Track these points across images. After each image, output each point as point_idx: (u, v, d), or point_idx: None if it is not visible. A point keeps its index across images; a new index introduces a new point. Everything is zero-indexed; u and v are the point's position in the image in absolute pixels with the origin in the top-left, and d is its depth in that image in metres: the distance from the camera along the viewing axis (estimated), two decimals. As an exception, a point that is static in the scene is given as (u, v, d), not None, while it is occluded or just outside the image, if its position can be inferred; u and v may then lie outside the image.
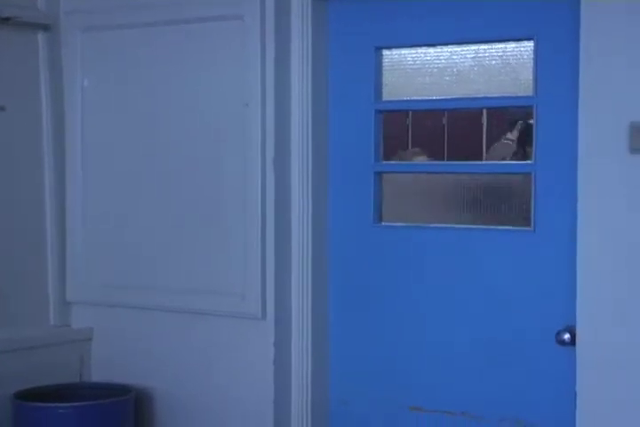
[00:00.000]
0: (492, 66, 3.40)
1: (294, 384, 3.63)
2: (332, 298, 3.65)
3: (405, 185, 3.67)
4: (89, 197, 4.01)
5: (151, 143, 3.87)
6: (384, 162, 3.60)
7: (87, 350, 4.04)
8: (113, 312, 3.99)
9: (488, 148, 3.62)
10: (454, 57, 3.46)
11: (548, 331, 3.21)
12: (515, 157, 3.50)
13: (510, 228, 3.35)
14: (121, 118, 3.94)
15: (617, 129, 2.96)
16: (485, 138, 3.61)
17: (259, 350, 3.62)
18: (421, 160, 3.74)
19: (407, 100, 3.58)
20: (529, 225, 3.29)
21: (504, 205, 3.43)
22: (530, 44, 3.26)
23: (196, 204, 3.76)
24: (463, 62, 3.45)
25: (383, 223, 3.58)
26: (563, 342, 3.16)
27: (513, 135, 3.58)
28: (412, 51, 3.54)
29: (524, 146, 3.41)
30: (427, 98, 3.52)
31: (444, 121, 3.71)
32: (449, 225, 3.47)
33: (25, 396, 3.72)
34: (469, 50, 3.43)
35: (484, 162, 3.54)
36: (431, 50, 3.50)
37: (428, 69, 3.52)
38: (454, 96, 3.46)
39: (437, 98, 3.50)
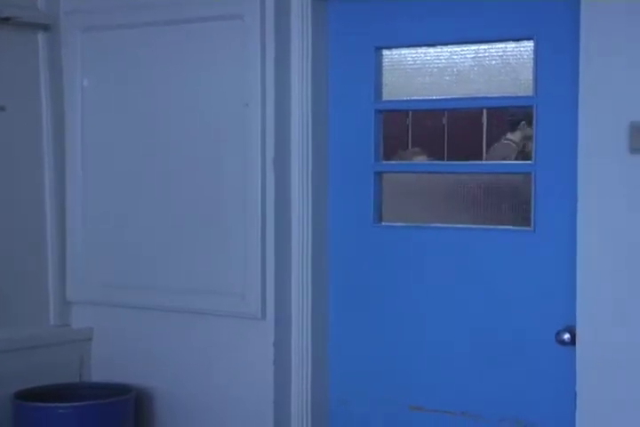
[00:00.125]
0: (492, 66, 3.40)
1: (294, 384, 3.63)
2: (332, 298, 3.65)
3: (405, 185, 3.67)
4: (89, 197, 4.01)
5: (151, 143, 3.87)
6: (384, 162, 3.60)
7: (87, 349, 4.04)
8: (113, 312, 3.99)
9: (488, 148, 3.62)
10: (454, 57, 3.46)
11: (548, 331, 3.21)
12: (519, 157, 3.50)
13: (510, 228, 3.35)
14: (121, 118, 3.94)
15: (617, 129, 2.96)
16: (485, 138, 3.60)
17: (259, 350, 3.62)
18: (421, 160, 3.74)
19: (407, 100, 3.58)
20: (529, 225, 3.29)
21: (504, 204, 3.43)
22: (530, 44, 3.26)
23: (196, 204, 3.76)
24: (463, 62, 3.45)
25: (383, 223, 3.58)
26: (563, 342, 3.16)
27: (514, 135, 3.58)
28: (412, 51, 3.54)
29: (527, 147, 3.41)
30: (427, 98, 3.52)
31: (444, 121, 3.71)
32: (449, 225, 3.47)
33: (25, 396, 3.72)
34: (469, 50, 3.43)
35: (484, 162, 3.54)
36: (431, 50, 3.50)
37: (428, 69, 3.52)
38: (454, 96, 3.46)
39: (437, 98, 3.50)
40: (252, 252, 3.60)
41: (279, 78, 3.57)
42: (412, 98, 3.56)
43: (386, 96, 3.58)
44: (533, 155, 3.27)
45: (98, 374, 4.03)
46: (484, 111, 3.58)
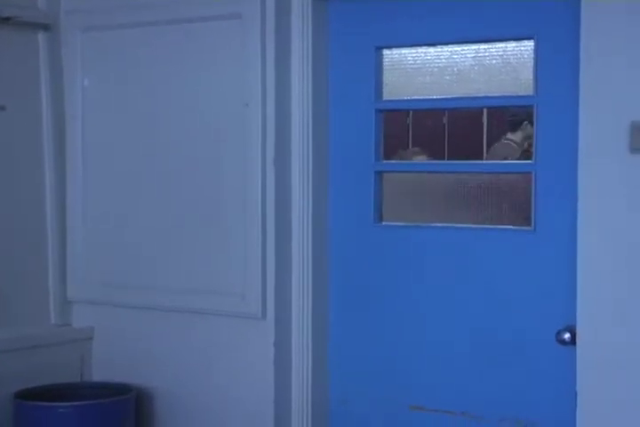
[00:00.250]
0: (492, 65, 3.40)
1: (294, 384, 3.63)
2: (333, 298, 3.65)
3: (406, 185, 3.67)
4: (89, 197, 4.01)
5: (151, 143, 3.87)
6: (384, 161, 3.60)
7: (88, 349, 4.04)
8: (114, 312, 3.99)
9: (488, 147, 3.62)
10: (455, 56, 3.46)
11: (548, 330, 3.21)
12: (522, 157, 3.50)
13: (510, 227, 3.35)
14: (121, 118, 3.94)
15: (617, 128, 2.96)
16: (486, 137, 3.61)
17: (259, 350, 3.62)
18: (422, 160, 3.74)
19: (407, 100, 3.57)
20: (529, 225, 3.28)
21: (504, 204, 3.43)
22: (530, 44, 3.26)
23: (197, 204, 3.76)
24: (463, 62, 3.45)
25: (383, 223, 3.58)
26: (563, 342, 3.16)
27: (514, 135, 3.58)
28: (413, 50, 3.53)
29: (531, 147, 3.41)
30: (427, 97, 3.52)
31: (445, 120, 3.71)
32: (449, 225, 3.46)
33: (25, 395, 3.72)
34: (470, 49, 3.42)
35: (484, 161, 3.54)
36: (431, 49, 3.49)
37: (429, 69, 3.52)
38: (454, 95, 3.46)
39: (438, 97, 3.49)
40: (252, 252, 3.60)
41: (279, 78, 3.57)
42: (413, 97, 3.55)
43: (386, 96, 3.57)
44: (534, 154, 3.27)
45: (98, 374, 4.03)
46: (485, 111, 3.58)
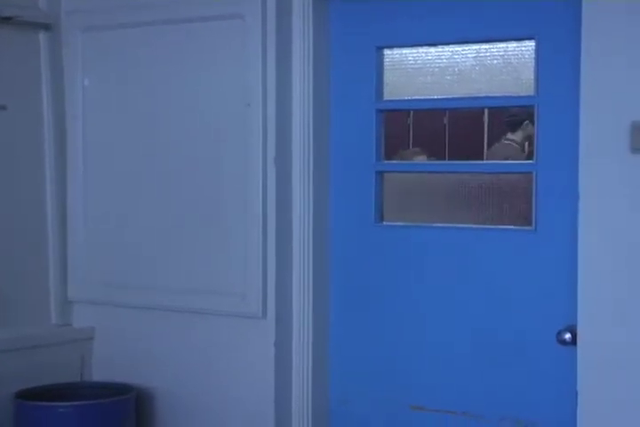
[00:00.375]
0: (493, 65, 3.40)
1: (295, 384, 3.63)
2: (333, 298, 3.65)
3: (406, 185, 3.67)
4: (90, 197, 4.01)
5: (152, 143, 3.87)
6: (385, 161, 3.60)
7: (88, 349, 4.04)
8: (114, 312, 3.99)
9: (489, 147, 3.62)
10: (455, 56, 3.46)
11: (548, 331, 3.21)
12: (523, 157, 3.50)
13: (511, 227, 3.35)
14: (122, 118, 3.94)
15: (618, 129, 2.96)
16: (486, 137, 3.61)
17: (259, 350, 3.62)
18: (422, 160, 3.74)
19: (408, 100, 3.58)
20: (530, 225, 3.28)
21: (505, 204, 3.43)
22: (531, 44, 3.26)
23: (197, 204, 3.76)
24: (464, 62, 3.45)
25: (384, 223, 3.58)
26: (564, 342, 3.16)
27: (514, 136, 3.58)
28: (414, 50, 3.53)
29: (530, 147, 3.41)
30: (428, 97, 3.52)
31: (446, 120, 3.72)
32: (450, 225, 3.46)
33: (26, 395, 3.72)
34: (470, 49, 3.42)
35: (485, 161, 3.54)
36: (432, 49, 3.49)
37: (430, 69, 3.52)
38: (455, 96, 3.46)
39: (438, 97, 3.49)
40: (252, 251, 3.60)
41: (280, 78, 3.57)
42: (414, 97, 3.55)
43: (387, 96, 3.57)
44: (534, 154, 3.27)
45: (99, 374, 4.03)
46: (486, 111, 3.58)
